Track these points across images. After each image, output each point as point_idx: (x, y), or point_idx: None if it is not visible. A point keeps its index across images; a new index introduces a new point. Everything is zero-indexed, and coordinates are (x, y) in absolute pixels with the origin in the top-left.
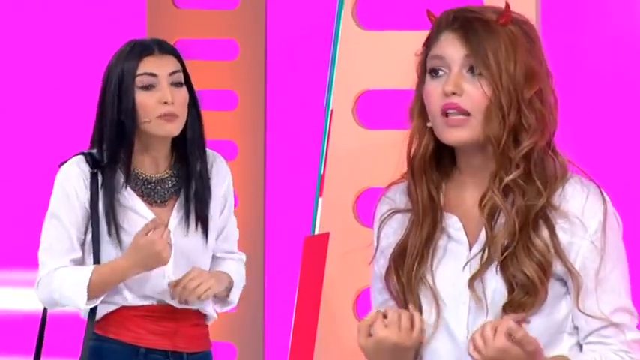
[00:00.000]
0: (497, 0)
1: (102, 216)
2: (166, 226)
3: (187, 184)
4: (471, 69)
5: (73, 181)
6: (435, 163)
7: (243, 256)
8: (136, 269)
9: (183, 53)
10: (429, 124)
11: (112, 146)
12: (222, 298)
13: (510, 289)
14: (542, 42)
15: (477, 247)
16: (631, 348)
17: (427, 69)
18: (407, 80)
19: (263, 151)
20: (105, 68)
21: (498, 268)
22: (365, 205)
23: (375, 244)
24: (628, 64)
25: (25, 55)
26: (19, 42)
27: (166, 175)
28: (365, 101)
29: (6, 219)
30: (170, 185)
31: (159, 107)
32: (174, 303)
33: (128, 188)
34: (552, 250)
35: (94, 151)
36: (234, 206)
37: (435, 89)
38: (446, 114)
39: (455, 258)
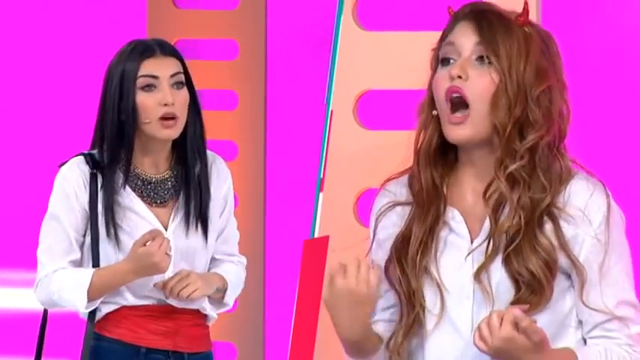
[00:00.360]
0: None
1: (101, 216)
2: (167, 227)
3: (187, 184)
4: (481, 58)
5: (72, 182)
6: (440, 156)
7: (244, 260)
8: (135, 276)
9: (183, 53)
10: (434, 112)
11: (113, 146)
12: (216, 299)
13: (516, 286)
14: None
15: (478, 241)
16: (635, 342)
17: (439, 59)
18: (407, 80)
19: (263, 151)
20: (106, 68)
21: (503, 262)
22: (365, 205)
23: (372, 235)
24: (628, 64)
25: (25, 55)
26: (19, 42)
27: (166, 176)
28: (365, 102)
29: (6, 219)
30: (170, 186)
31: (159, 108)
32: (174, 303)
33: (128, 188)
34: (557, 243)
35: (95, 151)
36: (234, 206)
37: (442, 76)
38: (450, 103)
39: (456, 250)
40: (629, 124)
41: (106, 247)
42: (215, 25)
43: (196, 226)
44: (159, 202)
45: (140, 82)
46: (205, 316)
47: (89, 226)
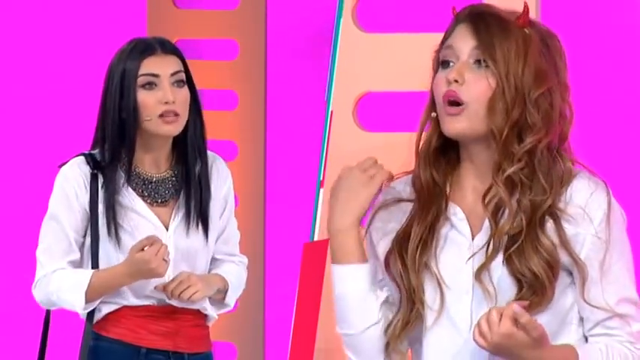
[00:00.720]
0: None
1: (101, 215)
2: (167, 226)
3: (188, 184)
4: (478, 62)
5: (72, 182)
6: (442, 155)
7: (245, 260)
8: (132, 279)
9: (183, 53)
10: (433, 114)
11: (114, 145)
12: (217, 300)
13: (518, 285)
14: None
15: (479, 239)
16: (636, 339)
17: (440, 61)
18: (407, 82)
19: (263, 150)
20: (107, 67)
21: (504, 262)
22: None
23: (368, 222)
24: (628, 64)
25: (25, 55)
26: (19, 42)
27: (167, 176)
28: (365, 103)
29: (6, 219)
30: (171, 185)
31: (160, 107)
32: (175, 303)
33: (129, 188)
34: (558, 242)
35: (95, 151)
36: (235, 206)
37: (441, 79)
38: (448, 102)
39: (457, 247)
40: (630, 124)
41: (106, 246)
42: (215, 25)
43: (197, 225)
44: (159, 201)
45: (141, 80)
46: (206, 316)
47: (89, 227)
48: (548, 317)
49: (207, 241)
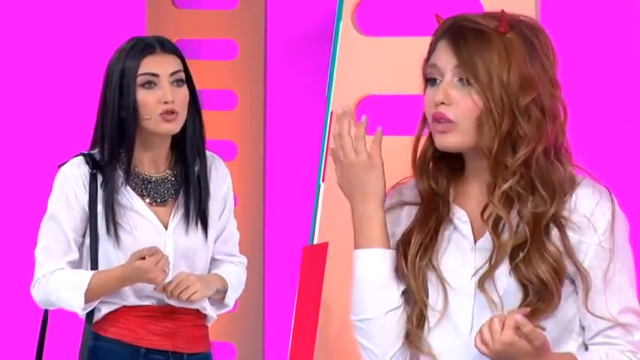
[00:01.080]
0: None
1: (101, 215)
2: (167, 226)
3: (187, 184)
4: (462, 80)
5: (72, 182)
6: (444, 161)
7: (244, 260)
8: (130, 283)
9: (183, 53)
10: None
11: (113, 143)
12: (217, 301)
13: (524, 292)
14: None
15: (482, 242)
16: (637, 348)
17: (426, 78)
18: (407, 86)
19: (262, 150)
20: (106, 65)
21: (511, 272)
22: None
23: None
24: (628, 64)
25: (25, 54)
26: (18, 42)
27: (166, 175)
28: (365, 107)
29: (6, 219)
30: (170, 185)
31: (159, 106)
32: (174, 303)
33: (128, 187)
34: (563, 249)
35: (95, 151)
36: (234, 206)
37: (429, 97)
38: (437, 121)
39: (459, 249)
40: (630, 124)
41: (105, 245)
42: (215, 25)
43: (196, 225)
44: (159, 201)
45: (140, 79)
46: (205, 316)
47: (88, 227)
48: (551, 325)
49: (206, 240)
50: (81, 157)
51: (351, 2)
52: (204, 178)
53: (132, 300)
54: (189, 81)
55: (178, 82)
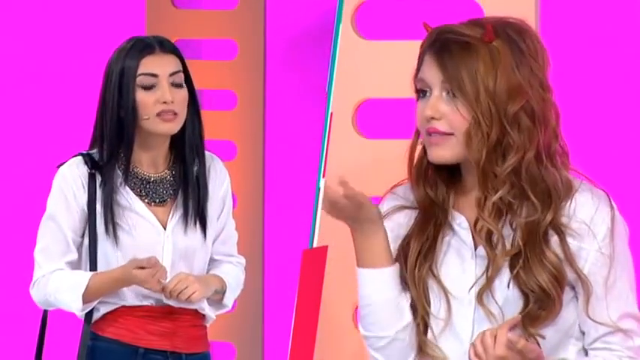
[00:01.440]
0: (497, 8)
1: (100, 214)
2: (165, 226)
3: (185, 184)
4: (449, 92)
5: (70, 182)
6: (442, 166)
7: (243, 260)
8: (127, 285)
9: (182, 53)
10: (421, 141)
11: (112, 143)
12: (215, 301)
13: (525, 301)
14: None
15: (482, 249)
16: (637, 354)
17: (416, 89)
18: (406, 89)
19: (262, 150)
20: (106, 65)
21: (511, 281)
22: None
23: None
24: (628, 64)
25: (25, 54)
26: (18, 42)
27: (165, 176)
28: (364, 110)
29: (6, 219)
30: (168, 186)
31: (158, 106)
32: (172, 303)
33: (127, 187)
34: (563, 257)
35: (94, 151)
36: (233, 206)
37: (420, 110)
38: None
39: (460, 256)
40: (630, 125)
41: (104, 245)
42: (214, 25)
43: (195, 225)
44: (157, 201)
45: (140, 80)
46: (203, 316)
47: (87, 227)
48: (551, 332)
49: (205, 240)
50: (80, 157)
51: (351, 5)
52: (203, 178)
53: (130, 300)
54: (188, 81)
55: (177, 84)
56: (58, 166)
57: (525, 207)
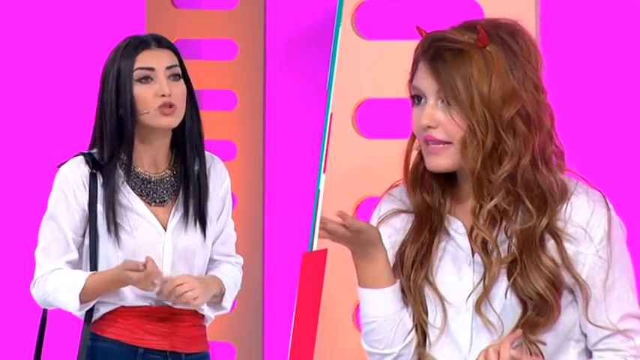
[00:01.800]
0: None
1: (101, 214)
2: (166, 226)
3: (186, 183)
4: (444, 100)
5: (71, 182)
6: (439, 173)
7: (241, 260)
8: (124, 285)
9: (182, 53)
10: (417, 146)
11: (112, 143)
12: (215, 303)
13: (523, 308)
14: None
15: (478, 257)
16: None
17: (411, 95)
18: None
19: (262, 150)
20: (103, 65)
21: (508, 290)
22: (364, 214)
23: None
24: (628, 65)
25: (25, 54)
26: (18, 42)
27: (165, 176)
28: (364, 110)
29: (6, 219)
30: (169, 186)
31: (157, 100)
32: (171, 303)
33: (127, 187)
34: (560, 262)
35: (94, 151)
36: (233, 207)
37: (417, 118)
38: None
39: (456, 262)
40: (630, 125)
41: (105, 245)
42: (214, 25)
43: (195, 224)
44: (158, 201)
45: (137, 74)
46: (203, 316)
47: (88, 227)
48: (551, 338)
49: (204, 240)
50: (81, 157)
51: (351, 5)
52: (204, 178)
53: (130, 300)
54: (186, 79)
55: (175, 77)
56: (59, 166)
57: (521, 213)
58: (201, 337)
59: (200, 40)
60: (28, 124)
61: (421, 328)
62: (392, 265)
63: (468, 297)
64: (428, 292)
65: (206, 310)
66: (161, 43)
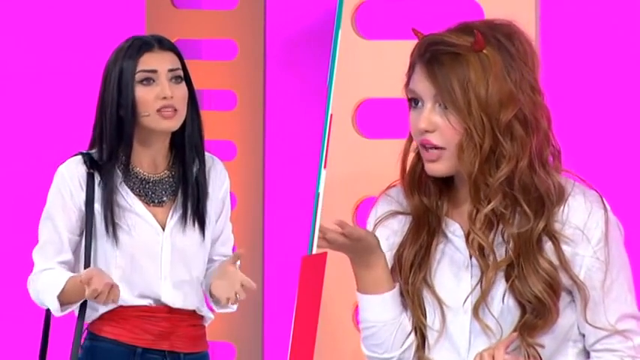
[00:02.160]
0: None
1: (99, 214)
2: (164, 226)
3: (185, 184)
4: (442, 104)
5: (68, 181)
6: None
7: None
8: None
9: (182, 53)
10: (414, 148)
11: (112, 143)
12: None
13: (522, 310)
14: (539, 48)
15: (476, 260)
16: (638, 353)
17: (408, 97)
18: None
19: (262, 151)
20: (105, 65)
21: (506, 293)
22: (364, 214)
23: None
24: (628, 65)
25: (25, 54)
26: (18, 42)
27: (164, 176)
28: (364, 110)
29: (6, 219)
30: (168, 186)
31: (158, 102)
32: (171, 303)
33: (126, 188)
34: (558, 264)
35: (93, 150)
36: (232, 207)
37: (414, 121)
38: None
39: (454, 265)
40: (629, 125)
41: (104, 245)
42: (214, 25)
43: (193, 225)
44: (156, 201)
45: (139, 76)
46: (202, 316)
47: (85, 226)
48: (549, 340)
49: (203, 241)
50: (79, 157)
51: (351, 5)
52: (203, 179)
53: (128, 300)
54: (187, 81)
55: (177, 79)
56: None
57: (518, 216)
58: (201, 337)
59: (200, 40)
60: (28, 124)
61: (420, 330)
62: (390, 267)
63: (465, 300)
64: (426, 295)
65: (205, 311)
66: (164, 45)
